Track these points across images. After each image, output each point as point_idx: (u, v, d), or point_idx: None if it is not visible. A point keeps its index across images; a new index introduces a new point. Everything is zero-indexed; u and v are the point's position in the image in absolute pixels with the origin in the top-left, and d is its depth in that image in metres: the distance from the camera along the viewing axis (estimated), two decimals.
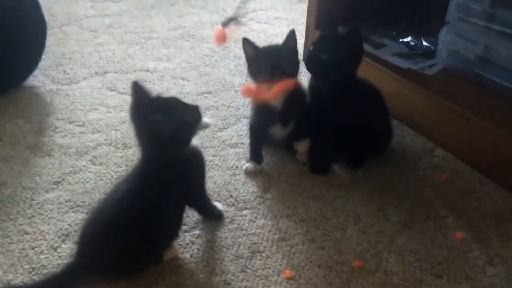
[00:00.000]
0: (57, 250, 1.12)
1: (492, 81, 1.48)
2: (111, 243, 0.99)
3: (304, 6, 1.97)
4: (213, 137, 1.50)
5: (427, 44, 1.70)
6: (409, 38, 1.74)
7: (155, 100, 1.05)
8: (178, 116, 1.02)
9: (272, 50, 1.31)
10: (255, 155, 1.39)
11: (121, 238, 0.99)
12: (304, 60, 1.33)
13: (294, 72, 1.31)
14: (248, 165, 1.38)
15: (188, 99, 1.64)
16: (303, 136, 1.39)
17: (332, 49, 1.27)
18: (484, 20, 1.46)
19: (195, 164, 1.13)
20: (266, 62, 1.27)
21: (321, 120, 1.36)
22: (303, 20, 1.94)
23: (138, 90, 1.04)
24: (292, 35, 1.31)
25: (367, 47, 1.67)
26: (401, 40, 1.74)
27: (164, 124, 0.99)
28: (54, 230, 1.17)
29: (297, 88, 1.33)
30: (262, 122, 1.36)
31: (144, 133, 1.03)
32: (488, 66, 1.48)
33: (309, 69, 1.34)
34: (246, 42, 1.30)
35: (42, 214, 1.22)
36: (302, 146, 1.39)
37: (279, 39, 2.08)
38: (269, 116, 1.33)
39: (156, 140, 1.01)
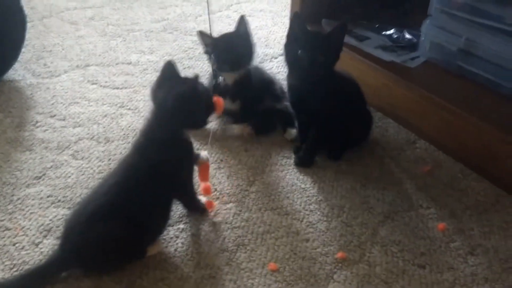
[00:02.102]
0: (39, 246, 1.11)
1: (474, 74, 1.50)
2: (94, 236, 0.98)
3: None
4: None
5: (410, 37, 1.71)
6: (392, 31, 1.74)
7: (183, 79, 1.09)
8: (200, 99, 1.08)
9: (227, 40, 1.41)
10: None
11: (105, 231, 0.98)
12: (284, 58, 1.33)
13: (250, 59, 1.43)
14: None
15: None
16: (246, 117, 1.48)
17: (313, 50, 1.24)
18: (466, 12, 1.47)
19: (187, 155, 1.13)
20: (223, 53, 1.38)
21: (303, 115, 1.37)
22: (287, 12, 1.93)
23: (169, 69, 1.07)
24: (242, 20, 1.40)
25: (350, 40, 1.68)
26: (384, 32, 1.74)
27: (189, 98, 1.03)
28: (36, 226, 1.16)
29: (248, 71, 1.45)
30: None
31: (165, 106, 1.04)
32: (470, 59, 1.50)
33: (288, 66, 1.33)
34: (201, 34, 1.40)
35: (23, 210, 1.20)
36: (237, 129, 1.48)
37: (263, 32, 2.09)
38: (222, 91, 1.44)
39: (177, 113, 1.03)
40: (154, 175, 1.04)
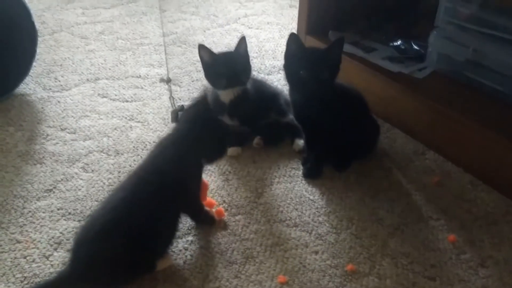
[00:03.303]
0: (49, 259, 1.12)
1: (482, 84, 1.50)
2: (104, 251, 0.99)
3: (295, 11, 1.98)
4: None
5: (417, 48, 1.71)
6: (399, 42, 1.75)
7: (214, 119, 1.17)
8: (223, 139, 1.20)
9: (227, 57, 1.41)
10: None
11: (113, 247, 0.98)
12: (286, 77, 1.34)
13: (247, 78, 1.44)
14: None
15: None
16: (243, 140, 1.49)
17: (316, 68, 1.25)
18: (473, 23, 1.48)
19: (198, 173, 1.16)
20: (223, 69, 1.39)
21: (309, 128, 1.38)
22: (294, 25, 1.95)
23: (203, 103, 1.14)
24: (243, 41, 1.41)
25: (358, 51, 1.68)
26: (391, 44, 1.75)
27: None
28: (46, 239, 1.17)
29: (246, 90, 1.45)
30: (215, 110, 1.45)
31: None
32: (477, 69, 1.50)
33: (291, 85, 1.34)
34: (202, 48, 1.39)
35: (33, 223, 1.21)
36: (234, 151, 1.46)
37: (271, 44, 2.11)
38: (219, 108, 1.45)
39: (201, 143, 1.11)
40: (164, 191, 1.04)
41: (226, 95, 1.44)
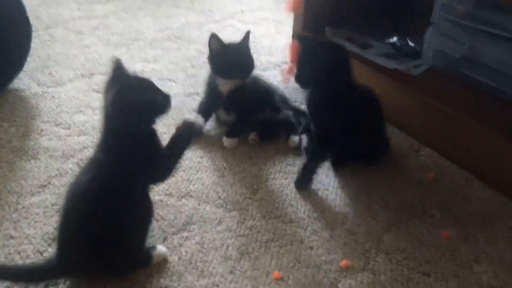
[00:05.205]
0: (44, 254, 1.11)
1: (477, 81, 1.50)
2: (85, 236, 0.97)
3: None
4: (201, 138, 1.50)
5: (413, 45, 1.71)
6: (395, 39, 1.75)
7: (131, 77, 1.06)
8: (148, 94, 1.05)
9: (236, 48, 1.44)
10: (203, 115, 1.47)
11: (92, 228, 0.97)
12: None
13: (250, 72, 1.46)
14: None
15: (175, 101, 1.64)
16: (239, 132, 1.49)
17: (316, 62, 1.27)
18: (469, 20, 1.48)
19: (151, 142, 1.08)
20: (233, 58, 1.41)
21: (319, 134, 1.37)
22: (291, 21, 1.94)
23: (117, 67, 1.05)
24: (247, 35, 1.44)
25: (354, 48, 1.68)
26: (387, 40, 1.75)
27: (127, 94, 1.01)
28: (40, 234, 1.16)
29: (243, 84, 1.46)
30: (210, 103, 1.52)
31: (110, 103, 1.02)
32: (473, 66, 1.50)
33: (298, 83, 1.34)
34: (213, 37, 1.42)
35: (28, 218, 1.20)
36: (230, 143, 1.47)
37: (267, 40, 2.10)
38: (216, 100, 1.49)
39: (121, 109, 1.01)
40: (123, 169, 1.01)
41: (225, 85, 1.46)
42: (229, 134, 1.48)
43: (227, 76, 1.44)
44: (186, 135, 1.13)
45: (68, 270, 1.02)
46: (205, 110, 1.52)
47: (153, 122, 1.08)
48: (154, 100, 1.06)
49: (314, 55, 1.29)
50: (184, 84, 1.78)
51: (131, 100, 1.01)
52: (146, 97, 1.04)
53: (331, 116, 1.31)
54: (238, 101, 1.47)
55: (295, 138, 1.47)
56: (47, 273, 1.02)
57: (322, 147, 1.36)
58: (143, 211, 1.07)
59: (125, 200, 1.01)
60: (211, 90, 1.50)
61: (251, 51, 1.46)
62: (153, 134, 1.08)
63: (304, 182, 1.33)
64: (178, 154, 1.12)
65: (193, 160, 1.42)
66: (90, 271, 1.03)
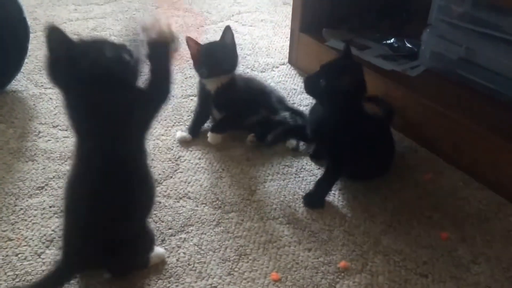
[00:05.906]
0: (41, 256, 1.11)
1: (474, 82, 1.50)
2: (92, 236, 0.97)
3: (289, 9, 1.98)
4: (199, 139, 1.50)
5: (410, 46, 1.72)
6: (392, 40, 1.76)
7: (81, 43, 0.97)
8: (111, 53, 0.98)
9: (209, 47, 1.45)
10: (192, 129, 1.51)
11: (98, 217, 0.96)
12: (303, 82, 1.33)
13: (233, 67, 1.46)
14: (180, 132, 1.50)
15: (173, 102, 1.65)
16: (225, 128, 1.50)
17: (332, 78, 1.24)
18: (466, 21, 1.48)
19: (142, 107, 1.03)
20: (204, 58, 1.43)
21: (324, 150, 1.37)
22: (288, 22, 1.94)
23: (55, 38, 0.93)
24: (228, 30, 1.43)
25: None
26: (384, 42, 1.75)
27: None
28: (38, 236, 1.16)
29: (232, 81, 1.46)
30: (203, 103, 1.53)
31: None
32: (470, 67, 1.51)
33: (307, 91, 1.32)
34: (190, 40, 1.44)
35: (25, 220, 1.20)
36: (214, 138, 1.47)
37: (264, 41, 2.10)
38: (207, 99, 1.50)
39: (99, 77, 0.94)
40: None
41: (211, 84, 1.46)
42: (214, 129, 1.48)
43: (204, 76, 1.45)
44: (162, 49, 1.05)
45: (77, 265, 1.01)
46: (199, 116, 1.54)
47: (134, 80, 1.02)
48: (120, 58, 0.99)
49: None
50: (182, 85, 1.78)
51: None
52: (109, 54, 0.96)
53: (349, 137, 1.28)
54: (227, 99, 1.47)
55: (293, 140, 1.47)
56: (58, 280, 1.00)
57: (339, 169, 1.32)
58: (148, 185, 1.04)
59: (130, 174, 0.98)
60: (201, 89, 1.51)
61: (236, 45, 1.45)
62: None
63: (313, 199, 1.29)
64: (164, 69, 1.06)
65: (191, 162, 1.42)
66: (98, 259, 1.02)
